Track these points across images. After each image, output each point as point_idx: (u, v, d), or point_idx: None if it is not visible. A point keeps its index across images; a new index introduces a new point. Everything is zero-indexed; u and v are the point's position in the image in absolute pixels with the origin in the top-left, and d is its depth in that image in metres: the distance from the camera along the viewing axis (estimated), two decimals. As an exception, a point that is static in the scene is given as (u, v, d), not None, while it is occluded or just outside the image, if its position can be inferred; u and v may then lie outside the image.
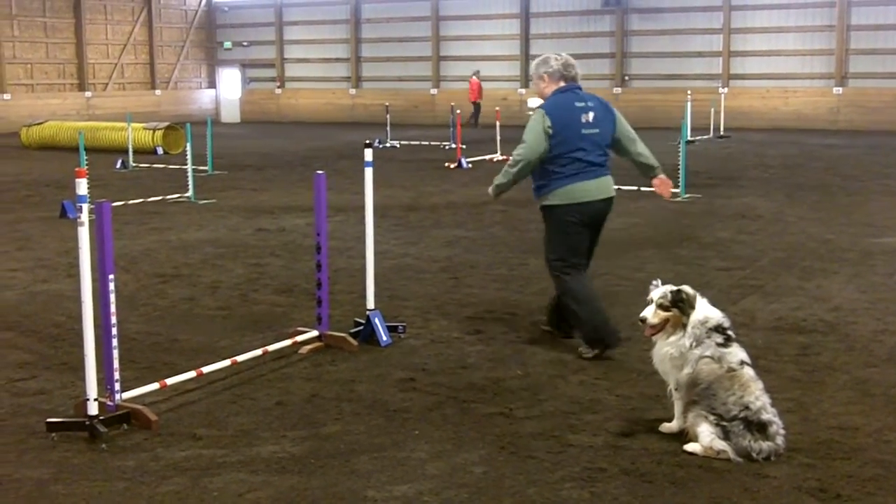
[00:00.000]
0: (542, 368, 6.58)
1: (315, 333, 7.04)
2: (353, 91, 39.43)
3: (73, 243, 9.54)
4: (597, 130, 6.75)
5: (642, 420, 5.54)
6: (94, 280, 5.37)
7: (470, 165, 20.26)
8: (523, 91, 35.65)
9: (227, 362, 6.38)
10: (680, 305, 5.19)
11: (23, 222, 13.18)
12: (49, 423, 5.42)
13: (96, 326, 5.42)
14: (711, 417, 5.01)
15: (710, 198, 14.88)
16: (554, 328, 7.29)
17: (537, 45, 35.63)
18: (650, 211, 13.66)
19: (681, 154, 15.08)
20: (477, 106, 33.75)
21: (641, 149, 7.01)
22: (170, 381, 6.01)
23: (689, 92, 26.20)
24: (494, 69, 36.54)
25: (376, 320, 7.13)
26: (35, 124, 26.30)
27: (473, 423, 5.55)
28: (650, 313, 5.24)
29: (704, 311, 5.19)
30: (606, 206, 6.87)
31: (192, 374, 6.16)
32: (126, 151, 21.10)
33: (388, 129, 27.11)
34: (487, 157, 21.77)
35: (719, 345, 5.09)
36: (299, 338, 6.97)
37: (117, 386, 5.52)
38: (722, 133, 27.78)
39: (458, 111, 23.40)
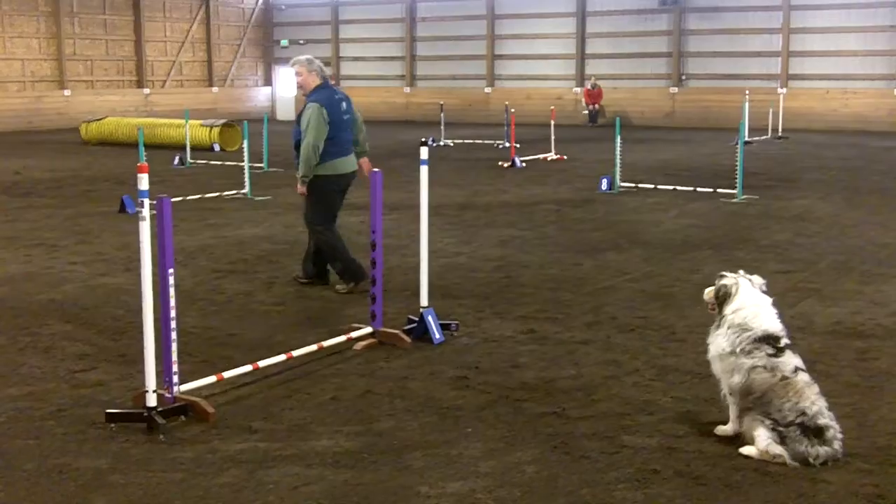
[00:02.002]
0: (596, 369, 6.56)
1: (369, 330, 7.08)
2: (407, 89, 39.54)
3: (130, 238, 9.72)
4: (348, 117, 8.71)
5: (697, 422, 5.50)
6: (153, 274, 5.46)
7: (524, 164, 20.23)
8: (578, 90, 35.51)
9: (282, 357, 6.44)
10: (719, 297, 5.27)
11: (82, 217, 13.40)
12: (108, 413, 5.51)
13: (155, 320, 5.50)
14: (767, 422, 4.97)
15: (768, 199, 14.71)
16: (315, 277, 8.94)
17: (593, 43, 35.48)
18: (706, 212, 13.54)
19: (738, 155, 14.93)
20: (594, 109, 34.02)
21: (363, 134, 9.03)
22: (226, 374, 6.09)
23: (746, 92, 25.89)
24: (549, 68, 36.42)
25: (429, 318, 7.16)
26: (94, 120, 26.71)
27: (526, 423, 5.56)
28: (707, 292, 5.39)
29: (750, 316, 5.12)
30: (354, 176, 8.87)
31: (248, 367, 6.23)
32: (183, 148, 21.35)
33: (442, 127, 27.15)
34: (541, 156, 21.72)
35: (770, 355, 5.04)
36: (354, 334, 7.02)
37: (175, 378, 5.61)
38: (780, 134, 27.44)
39: (513, 110, 23.34)
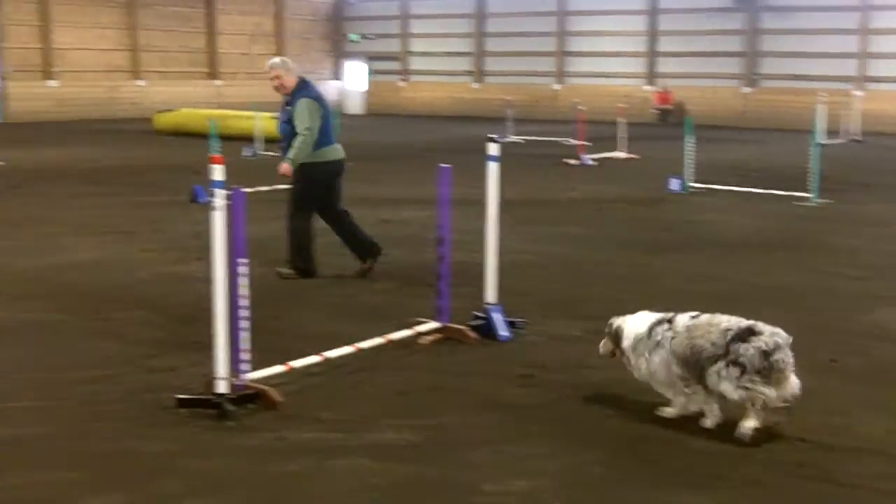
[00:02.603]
0: (664, 370, 6.49)
1: (436, 325, 7.09)
2: (475, 85, 39.55)
3: (201, 227, 9.83)
4: (330, 109, 9.21)
5: (766, 430, 5.42)
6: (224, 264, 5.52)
7: (594, 162, 20.10)
8: (648, 88, 35.21)
9: (350, 348, 6.48)
10: (614, 338, 5.78)
11: (154, 206, 13.62)
12: (179, 399, 5.59)
13: (226, 308, 5.56)
14: (723, 372, 5.13)
15: (843, 203, 14.43)
16: (367, 255, 9.37)
17: (665, 41, 35.17)
18: (779, 215, 13.34)
19: (812, 157, 14.67)
20: (665, 110, 34.00)
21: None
22: (295, 363, 6.14)
23: (821, 94, 25.43)
24: (618, 66, 36.17)
25: (496, 315, 7.15)
26: (168, 111, 27.11)
27: (593, 423, 5.52)
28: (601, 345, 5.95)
29: (634, 328, 5.63)
30: (343, 164, 9.36)
31: (316, 358, 6.28)
32: (253, 139, 21.57)
33: (510, 123, 27.08)
34: (610, 154, 21.56)
35: (666, 329, 5.46)
36: (420, 328, 7.04)
37: (245, 367, 5.67)
38: (856, 137, 26.90)
39: (583, 107, 23.22)
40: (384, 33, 41.68)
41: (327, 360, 6.33)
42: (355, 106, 42.32)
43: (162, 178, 16.79)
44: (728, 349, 5.13)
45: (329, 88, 42.15)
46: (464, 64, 39.94)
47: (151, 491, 4.61)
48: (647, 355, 5.52)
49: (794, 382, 5.14)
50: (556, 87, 37.59)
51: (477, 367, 6.50)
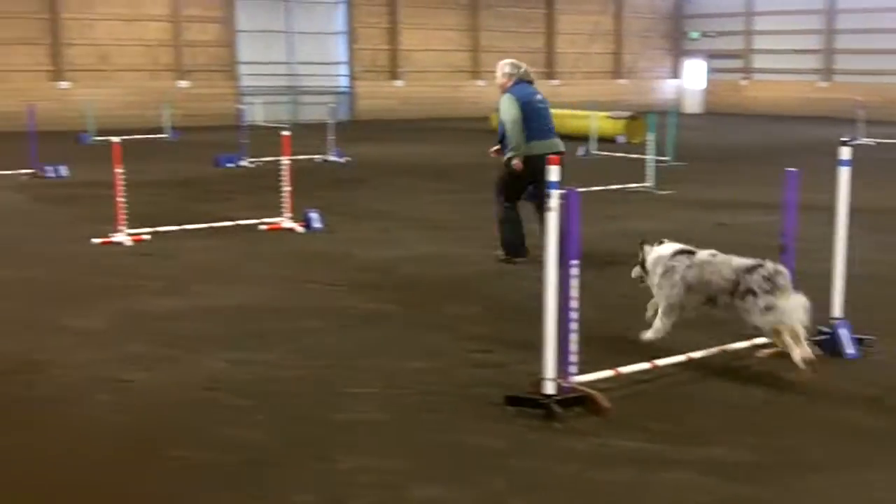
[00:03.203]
0: None
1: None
2: (823, 84, 37.47)
3: (531, 225, 9.91)
4: (537, 106, 9.73)
5: None
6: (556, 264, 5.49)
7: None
8: None
9: (682, 357, 6.26)
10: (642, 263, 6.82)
11: (489, 203, 13.85)
12: (508, 397, 5.63)
13: (556, 309, 5.53)
14: (745, 305, 6.23)
15: None
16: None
17: None
18: None
19: None
20: None
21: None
22: (623, 369, 6.01)
23: None
24: None
25: (843, 330, 6.65)
26: (505, 109, 27.80)
27: (952, 457, 4.98)
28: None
29: (658, 252, 6.69)
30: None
31: (646, 364, 6.12)
32: (588, 139, 21.61)
33: (861, 125, 25.38)
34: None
35: (686, 259, 6.52)
36: (758, 340, 6.67)
37: (573, 369, 5.61)
38: None
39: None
40: (725, 30, 40.42)
41: (657, 368, 6.15)
42: (694, 105, 41.39)
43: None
44: (739, 281, 6.23)
45: (664, 88, 41.55)
46: (811, 62, 37.92)
47: (476, 485, 4.66)
48: (661, 273, 6.54)
49: (800, 298, 6.17)
50: (914, 86, 34.82)
51: (819, 386, 6.06)
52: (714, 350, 6.45)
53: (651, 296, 6.75)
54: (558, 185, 5.36)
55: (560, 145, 9.80)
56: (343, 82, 34.08)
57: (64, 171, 16.36)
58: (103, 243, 10.40)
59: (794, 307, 6.14)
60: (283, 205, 11.49)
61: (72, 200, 13.69)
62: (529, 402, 5.53)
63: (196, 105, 30.13)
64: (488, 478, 4.72)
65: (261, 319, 7.58)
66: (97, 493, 4.63)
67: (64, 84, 28.11)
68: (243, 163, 18.37)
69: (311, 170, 17.46)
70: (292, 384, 6.09)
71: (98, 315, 7.62)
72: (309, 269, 9.42)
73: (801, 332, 6.15)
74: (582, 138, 22.77)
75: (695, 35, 41.51)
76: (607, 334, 7.20)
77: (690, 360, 6.29)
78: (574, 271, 5.54)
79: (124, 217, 10.50)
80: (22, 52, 27.85)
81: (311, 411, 5.62)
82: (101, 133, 22.17)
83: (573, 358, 5.60)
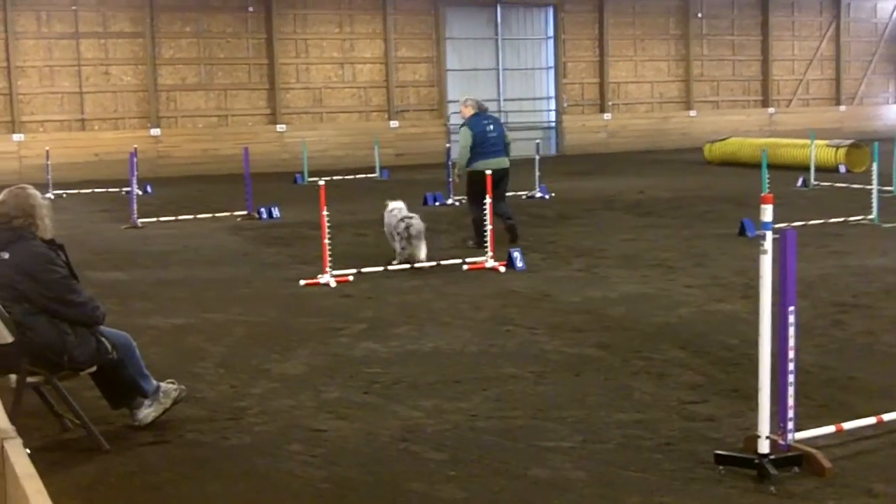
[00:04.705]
0: None
1: None
2: None
3: (749, 262, 9.39)
4: (487, 131, 12.73)
5: None
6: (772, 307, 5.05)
7: None
8: None
9: (911, 412, 5.67)
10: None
11: (700, 238, 13.35)
12: (717, 454, 5.21)
13: (772, 357, 5.09)
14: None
15: None
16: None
17: None
18: None
19: None
20: None
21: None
22: (847, 425, 5.48)
23: None
24: None
25: None
26: (718, 140, 26.85)
27: None
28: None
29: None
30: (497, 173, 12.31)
31: (871, 420, 5.57)
32: (807, 169, 20.56)
33: None
34: None
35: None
36: None
37: (790, 425, 5.15)
38: None
39: None
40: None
41: (883, 423, 5.58)
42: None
43: (709, 210, 16.49)
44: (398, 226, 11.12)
45: (888, 114, 39.27)
46: None
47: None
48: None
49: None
50: None
51: None
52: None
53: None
54: (769, 225, 4.93)
55: (504, 163, 12.71)
56: (550, 117, 33.96)
57: (276, 211, 16.89)
58: (308, 284, 10.56)
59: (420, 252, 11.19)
60: (486, 244, 11.37)
61: (281, 241, 14.05)
62: (741, 462, 5.10)
63: (406, 144, 30.69)
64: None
65: (457, 364, 7.41)
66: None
67: (281, 127, 29.18)
68: (449, 201, 18.45)
69: (515, 206, 17.33)
70: (487, 435, 5.87)
71: (299, 359, 7.65)
72: (509, 310, 9.21)
73: None
74: (800, 168, 21.72)
75: (922, 57, 39.09)
76: (829, 383, 6.64)
77: (924, 417, 5.67)
78: (791, 318, 5.09)
79: (329, 258, 10.63)
80: (243, 97, 29.14)
81: (506, 466, 5.37)
82: (314, 174, 22.83)
83: (790, 413, 5.13)
